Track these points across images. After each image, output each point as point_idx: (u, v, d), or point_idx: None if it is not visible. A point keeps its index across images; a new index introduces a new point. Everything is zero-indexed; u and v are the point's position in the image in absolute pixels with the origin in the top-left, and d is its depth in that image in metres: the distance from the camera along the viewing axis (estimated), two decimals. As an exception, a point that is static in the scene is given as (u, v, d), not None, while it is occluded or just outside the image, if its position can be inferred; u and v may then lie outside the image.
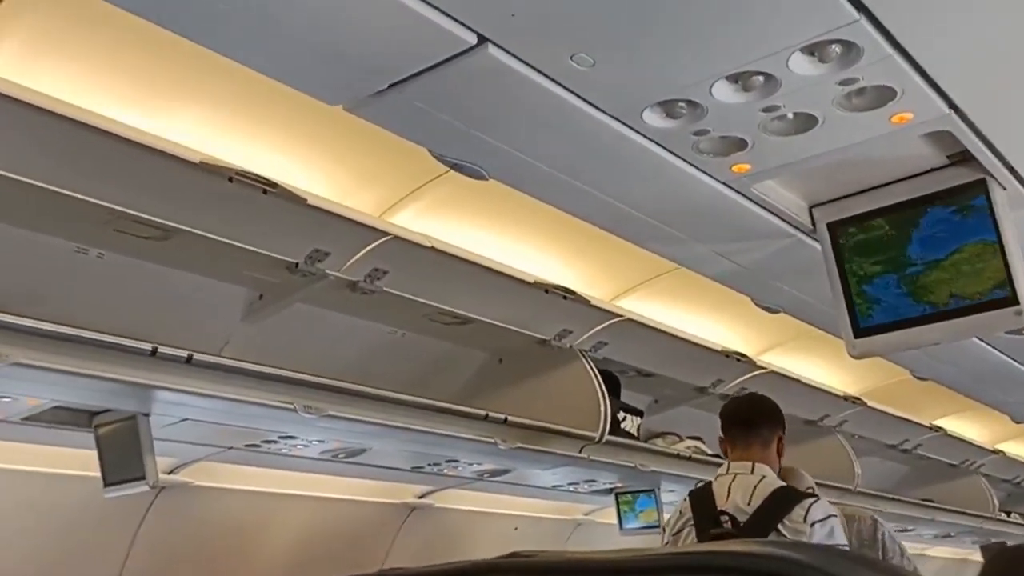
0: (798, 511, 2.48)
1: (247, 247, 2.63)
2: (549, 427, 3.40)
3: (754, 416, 2.80)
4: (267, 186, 2.41)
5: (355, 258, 2.80)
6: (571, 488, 3.99)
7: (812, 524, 2.44)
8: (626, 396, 3.96)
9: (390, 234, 2.76)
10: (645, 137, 1.73)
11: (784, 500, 2.52)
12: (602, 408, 3.50)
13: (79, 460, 2.75)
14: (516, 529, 4.21)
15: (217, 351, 2.87)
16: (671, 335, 3.73)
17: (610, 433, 3.54)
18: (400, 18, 1.34)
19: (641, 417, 3.94)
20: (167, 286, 2.80)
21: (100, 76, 2.20)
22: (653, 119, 1.67)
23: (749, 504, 2.53)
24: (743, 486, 2.58)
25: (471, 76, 1.49)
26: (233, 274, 2.84)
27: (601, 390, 3.53)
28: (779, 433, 2.79)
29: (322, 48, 1.41)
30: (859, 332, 2.14)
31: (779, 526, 2.45)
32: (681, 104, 1.64)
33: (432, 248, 2.85)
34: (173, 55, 2.08)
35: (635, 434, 3.87)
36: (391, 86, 1.53)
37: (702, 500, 2.65)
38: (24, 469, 2.74)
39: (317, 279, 2.81)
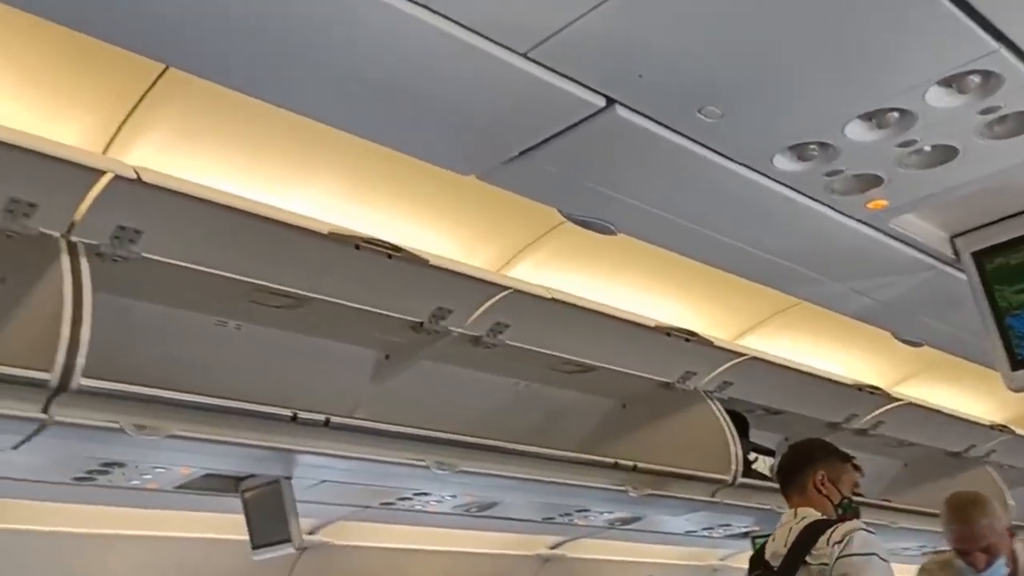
0: (822, 540, 2.57)
1: (374, 310, 2.70)
2: (679, 472, 3.33)
3: (787, 467, 2.96)
4: (392, 251, 2.48)
5: (477, 314, 2.84)
6: (705, 533, 3.88)
7: (833, 545, 2.54)
8: (755, 436, 3.85)
9: (510, 288, 2.79)
10: (776, 182, 1.70)
11: (812, 533, 2.63)
12: (733, 450, 3.42)
13: (226, 524, 2.85)
14: (650, 577, 4.13)
15: (349, 413, 2.94)
16: (799, 371, 3.62)
17: (742, 475, 3.44)
18: (530, 88, 1.37)
19: (773, 456, 3.81)
20: (299, 352, 2.89)
21: (236, 158, 2.32)
22: (784, 163, 1.64)
23: (786, 546, 2.66)
24: (786, 532, 2.72)
25: (600, 137, 1.50)
26: (361, 337, 2.91)
27: (730, 431, 3.44)
28: (814, 471, 2.85)
29: (454, 123, 1.46)
30: (1017, 364, 2.02)
31: (807, 558, 2.57)
32: (813, 147, 1.61)
33: (552, 299, 2.86)
34: (301, 134, 2.18)
35: (768, 475, 3.74)
36: (522, 153, 1.56)
37: (757, 555, 2.83)
38: (178, 535, 2.86)
39: (441, 336, 2.86)
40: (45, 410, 2.05)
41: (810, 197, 1.79)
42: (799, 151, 1.63)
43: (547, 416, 3.49)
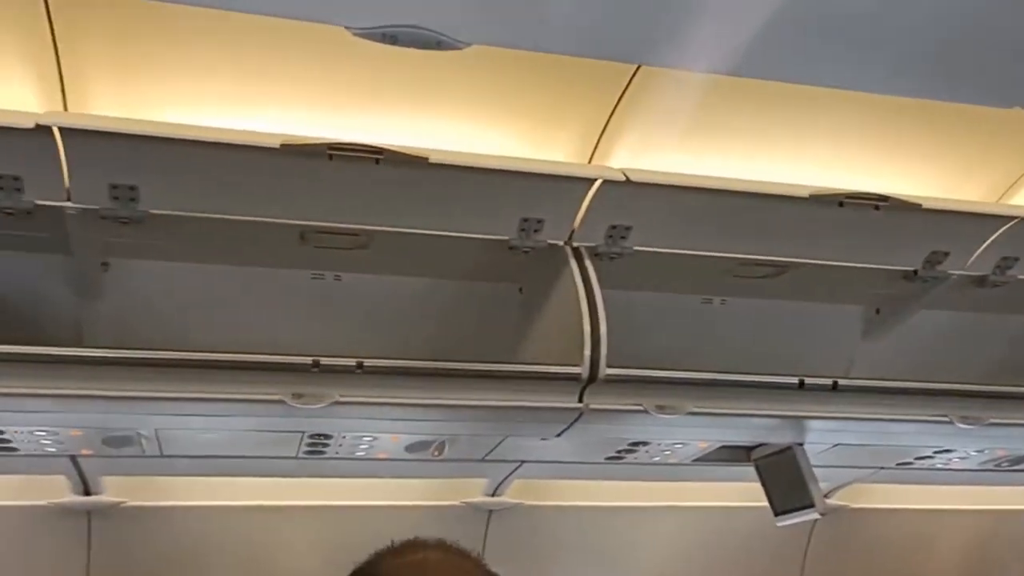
0: None
1: (861, 265, 2.60)
2: None
3: None
4: (878, 202, 2.37)
5: (978, 252, 2.59)
6: None
7: None
8: None
9: (1016, 217, 2.50)
10: None
11: None
12: None
13: (735, 492, 2.95)
14: None
15: (844, 373, 2.86)
16: None
17: None
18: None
19: None
20: (784, 318, 2.87)
21: (704, 142, 2.39)
22: None
23: None
24: None
25: None
26: (848, 294, 2.81)
27: None
28: None
29: (1006, 57, 1.32)
30: None
31: None
32: None
33: (1076, 218, 2.50)
34: (771, 105, 2.18)
35: None
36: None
37: None
38: (699, 504, 3.03)
39: (938, 282, 2.66)
40: (580, 399, 2.29)
41: None
42: None
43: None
